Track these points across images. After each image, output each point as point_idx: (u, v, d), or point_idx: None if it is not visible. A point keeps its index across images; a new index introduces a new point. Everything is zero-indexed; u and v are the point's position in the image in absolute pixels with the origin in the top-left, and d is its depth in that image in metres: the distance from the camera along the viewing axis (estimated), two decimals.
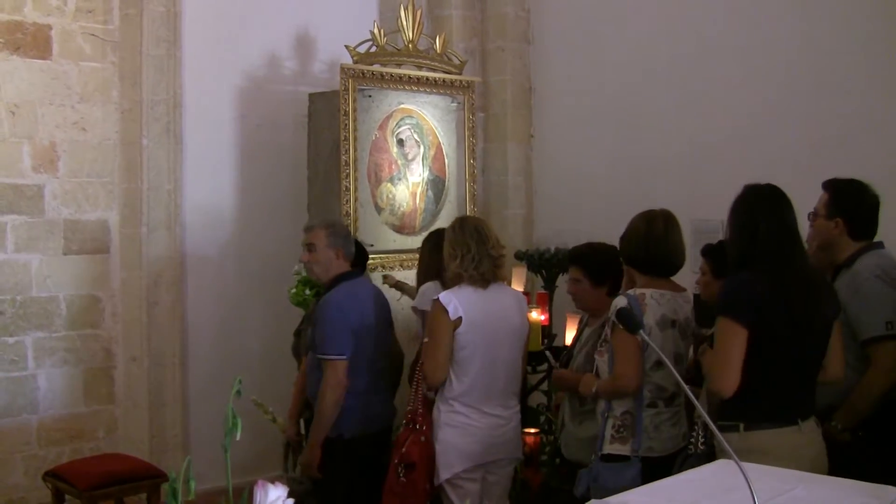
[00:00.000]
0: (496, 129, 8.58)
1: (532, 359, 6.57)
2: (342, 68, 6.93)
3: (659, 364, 4.63)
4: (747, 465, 2.96)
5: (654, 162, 7.70)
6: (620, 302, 4.67)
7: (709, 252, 5.12)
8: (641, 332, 3.82)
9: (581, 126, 8.26)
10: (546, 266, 7.58)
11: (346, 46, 7.02)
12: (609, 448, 4.74)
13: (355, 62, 7.02)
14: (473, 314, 5.12)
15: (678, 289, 4.89)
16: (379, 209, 7.18)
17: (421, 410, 5.30)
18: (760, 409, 4.07)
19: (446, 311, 5.08)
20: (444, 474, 5.16)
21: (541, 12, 8.55)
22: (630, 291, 4.77)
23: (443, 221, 7.39)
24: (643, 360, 4.68)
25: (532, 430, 6.05)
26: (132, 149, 6.99)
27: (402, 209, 7.33)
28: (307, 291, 6.57)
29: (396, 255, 7.23)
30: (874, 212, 4.76)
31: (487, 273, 5.20)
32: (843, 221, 4.71)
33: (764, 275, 4.08)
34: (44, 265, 6.75)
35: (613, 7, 8.03)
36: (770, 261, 4.10)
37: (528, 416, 6.27)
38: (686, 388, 3.39)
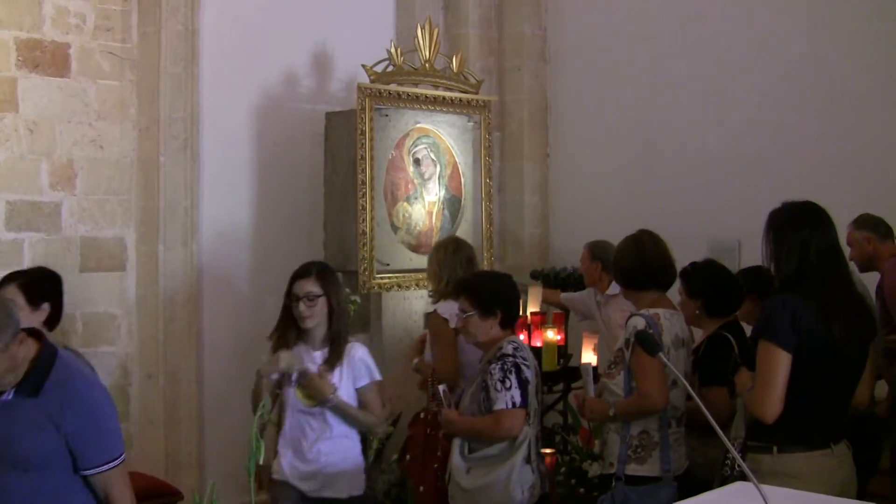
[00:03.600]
0: (512, 148, 8.61)
1: (547, 378, 6.63)
2: (359, 87, 6.94)
3: (674, 383, 4.68)
4: (771, 489, 2.94)
5: (671, 181, 7.72)
6: (639, 323, 4.68)
7: (682, 273, 5.21)
8: (661, 354, 3.77)
9: (598, 145, 8.30)
10: (562, 285, 7.58)
11: (363, 65, 7.04)
12: (629, 469, 4.73)
13: (372, 81, 7.03)
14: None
15: (675, 308, 4.97)
16: (395, 228, 7.18)
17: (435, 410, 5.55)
18: (795, 433, 4.00)
19: (446, 321, 5.62)
20: None
21: (557, 31, 8.61)
22: (644, 311, 4.78)
23: None
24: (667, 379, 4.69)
25: (548, 451, 6.00)
26: (149, 166, 6.97)
27: (418, 228, 7.32)
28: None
29: (413, 275, 7.19)
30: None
31: None
32: None
33: (808, 297, 3.98)
34: None
35: (630, 26, 8.07)
36: (817, 282, 4.01)
37: (544, 435, 6.22)
38: (706, 410, 3.35)
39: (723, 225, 7.25)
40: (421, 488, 5.58)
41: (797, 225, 4.07)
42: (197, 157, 7.13)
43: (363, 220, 6.91)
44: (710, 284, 5.17)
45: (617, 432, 4.80)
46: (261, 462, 3.25)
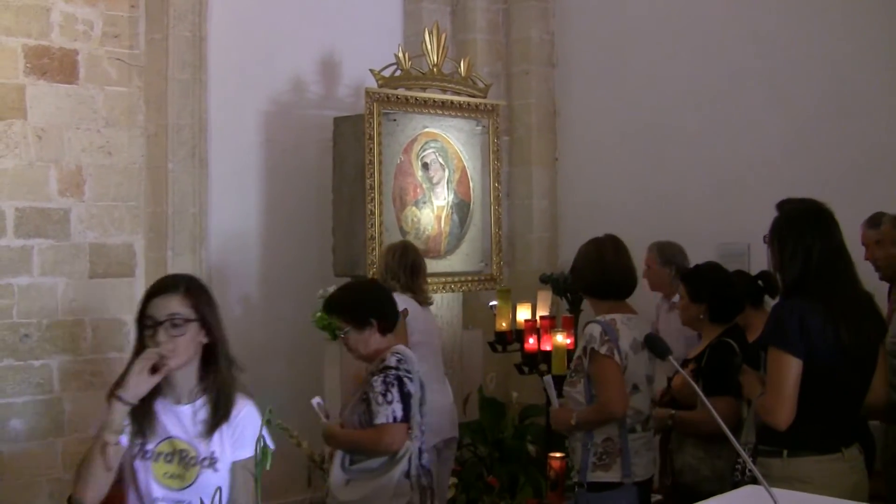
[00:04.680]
0: (521, 153, 8.61)
1: (559, 383, 6.51)
2: (367, 92, 6.94)
3: (635, 387, 4.77)
4: (781, 492, 2.92)
5: (680, 185, 7.71)
6: (594, 330, 4.73)
7: (685, 276, 5.20)
8: (670, 357, 3.74)
9: (606, 149, 8.27)
10: (571, 289, 7.57)
11: (371, 70, 7.04)
12: (592, 476, 4.76)
13: (380, 86, 7.03)
14: (414, 308, 5.92)
15: (634, 312, 4.96)
16: (404, 233, 7.16)
17: None
18: (805, 437, 3.98)
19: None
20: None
21: (565, 36, 8.59)
22: (600, 318, 4.80)
23: (468, 245, 7.44)
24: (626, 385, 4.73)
25: (558, 455, 5.94)
26: (158, 173, 6.99)
27: (427, 233, 7.32)
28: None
29: None
30: None
31: (419, 300, 6.07)
32: None
33: (816, 302, 3.95)
34: (70, 289, 6.73)
35: (639, 30, 8.05)
36: (823, 286, 3.98)
37: (553, 440, 6.42)
38: (718, 418, 3.31)
39: (732, 229, 7.22)
40: None
41: (799, 228, 4.06)
42: (205, 163, 7.13)
43: (372, 225, 6.90)
44: (716, 289, 5.09)
45: (580, 440, 4.83)
46: (268, 468, 3.13)
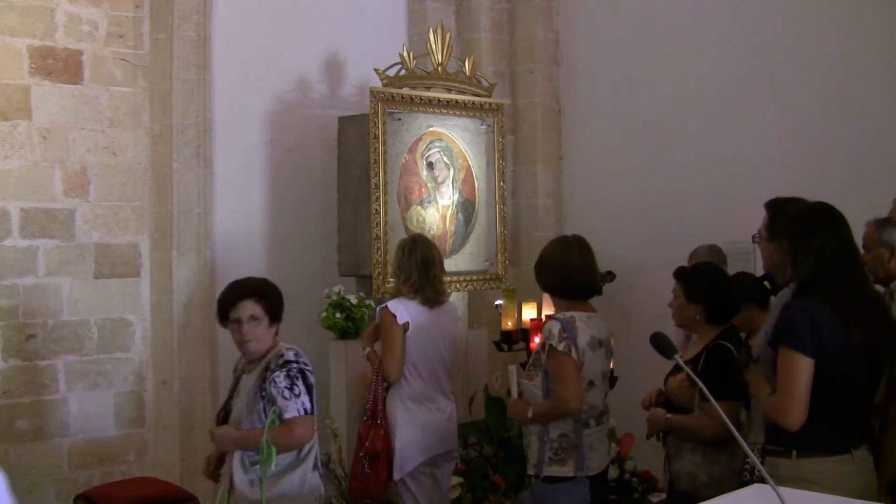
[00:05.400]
0: (526, 152, 8.59)
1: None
2: (371, 91, 6.93)
3: (591, 383, 4.91)
4: (788, 491, 2.92)
5: (686, 184, 7.68)
6: (553, 327, 4.84)
7: (682, 275, 5.11)
8: (676, 356, 3.69)
9: (611, 148, 8.26)
10: None
11: (376, 70, 7.02)
12: (548, 470, 4.89)
13: (384, 85, 7.02)
14: (418, 320, 5.82)
15: (594, 310, 5.08)
16: (409, 232, 7.09)
17: (381, 406, 5.77)
18: (815, 438, 3.97)
19: (395, 317, 5.75)
20: (405, 468, 5.74)
21: (570, 34, 8.57)
22: (560, 315, 4.90)
23: (473, 244, 7.43)
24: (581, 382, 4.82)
25: None
26: (162, 173, 7.00)
27: (431, 232, 7.27)
28: (337, 315, 6.61)
29: None
30: None
31: (432, 298, 5.92)
32: None
33: (826, 301, 3.95)
34: (75, 289, 6.76)
35: (644, 29, 8.02)
36: (833, 286, 3.98)
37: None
38: (727, 420, 3.30)
39: (738, 228, 7.16)
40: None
41: (811, 229, 4.06)
42: (210, 163, 7.14)
43: (377, 224, 6.90)
44: (716, 289, 5.03)
45: (537, 434, 4.94)
46: (272, 468, 3.24)
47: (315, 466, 4.80)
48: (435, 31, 7.35)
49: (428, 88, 7.31)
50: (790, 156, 7.07)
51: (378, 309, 6.04)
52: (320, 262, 7.45)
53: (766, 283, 5.16)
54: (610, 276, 7.37)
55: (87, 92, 6.82)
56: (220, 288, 7.02)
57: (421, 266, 5.94)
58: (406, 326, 5.78)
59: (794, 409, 3.91)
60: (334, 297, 6.65)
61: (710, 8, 7.68)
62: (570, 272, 4.99)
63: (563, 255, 5.04)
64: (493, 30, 8.53)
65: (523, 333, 7.13)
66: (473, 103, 7.54)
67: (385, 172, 6.94)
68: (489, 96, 7.68)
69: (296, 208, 7.62)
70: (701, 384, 3.64)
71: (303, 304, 7.03)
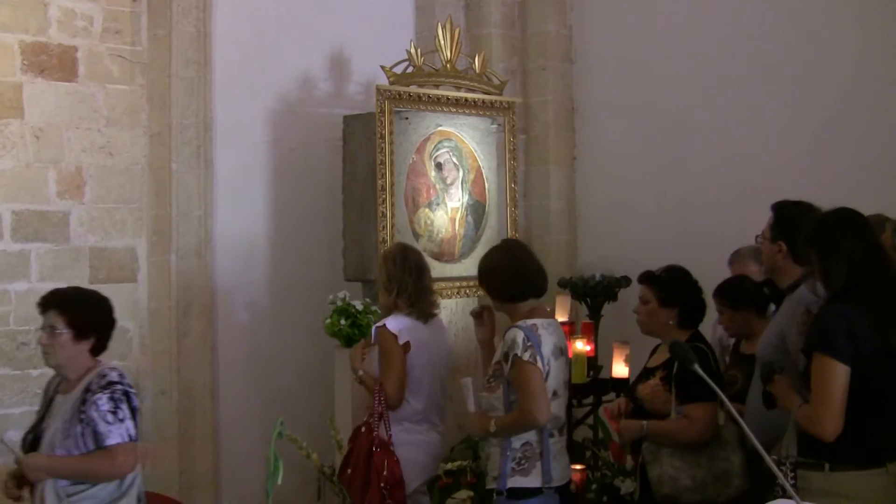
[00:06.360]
0: (538, 152, 8.49)
1: (577, 391, 6.58)
2: (378, 89, 6.84)
3: (555, 394, 4.87)
4: None
5: (703, 185, 7.60)
6: (518, 335, 4.77)
7: (653, 279, 5.14)
8: (696, 365, 3.62)
9: (626, 148, 8.16)
10: (591, 294, 7.52)
11: (382, 67, 6.94)
12: (512, 482, 4.81)
13: (391, 83, 6.94)
14: (417, 338, 5.67)
15: (550, 314, 5.14)
16: (417, 235, 7.05)
17: (389, 432, 5.58)
18: (849, 450, 3.90)
19: (396, 337, 5.61)
20: (407, 490, 5.62)
21: (584, 30, 8.49)
22: (521, 323, 4.84)
23: (483, 248, 7.31)
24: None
25: (578, 466, 5.97)
26: (161, 174, 6.94)
27: (440, 235, 7.18)
28: (342, 321, 6.47)
29: (436, 284, 6.98)
30: None
31: (426, 311, 5.77)
32: (786, 244, 4.65)
33: (861, 306, 3.91)
34: None
35: (660, 23, 7.94)
36: (866, 290, 3.94)
37: (573, 450, 6.34)
38: (745, 427, 3.11)
39: (756, 229, 7.05)
40: None
41: (840, 235, 4.05)
42: (210, 163, 7.08)
43: (383, 227, 6.80)
44: (688, 292, 5.09)
45: (499, 446, 4.87)
46: (279, 482, 3.24)
47: (139, 499, 4.52)
48: (444, 27, 7.27)
49: (436, 86, 7.22)
50: (810, 155, 6.98)
51: (375, 329, 5.88)
52: (325, 266, 7.39)
53: (766, 290, 5.16)
54: (625, 280, 7.38)
55: (82, 90, 6.78)
56: (222, 294, 7.33)
57: (416, 275, 5.79)
58: (407, 346, 5.64)
59: (831, 418, 3.87)
60: (339, 303, 6.53)
61: (730, 3, 7.59)
62: (522, 270, 4.99)
63: (510, 258, 5.05)
64: (504, 25, 8.44)
65: None
66: (483, 102, 7.45)
67: (392, 173, 6.86)
68: (500, 94, 7.59)
69: (299, 211, 7.55)
70: (721, 395, 3.60)
71: (306, 309, 7.17)
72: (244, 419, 7.06)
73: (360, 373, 5.73)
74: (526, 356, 4.72)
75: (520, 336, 4.75)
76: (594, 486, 6.31)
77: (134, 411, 4.43)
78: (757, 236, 4.84)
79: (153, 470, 6.84)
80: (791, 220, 4.69)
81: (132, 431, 4.39)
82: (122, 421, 4.35)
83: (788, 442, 4.28)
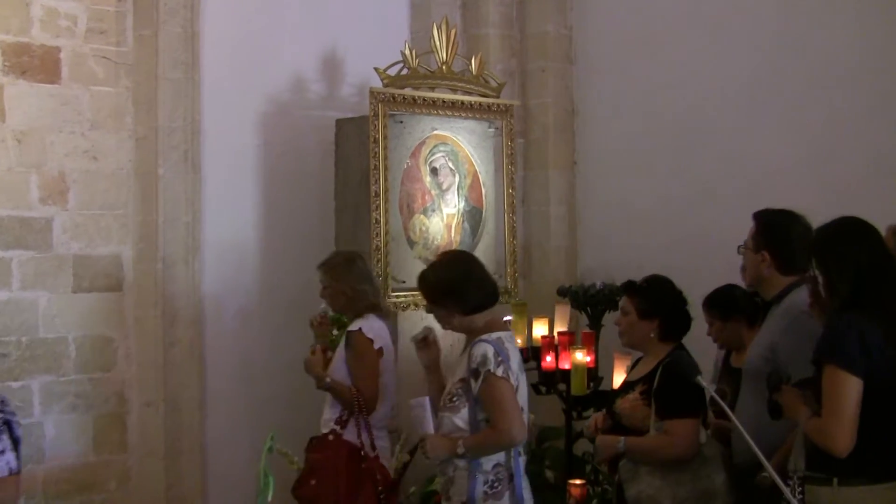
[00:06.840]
0: (537, 156, 8.42)
1: (577, 403, 6.64)
2: (371, 92, 6.80)
3: (521, 409, 4.71)
4: None
5: (707, 190, 7.53)
6: (488, 350, 4.58)
7: (635, 290, 5.09)
8: (699, 378, 3.67)
9: (628, 151, 8.09)
10: (591, 303, 7.43)
11: (376, 69, 6.88)
12: None
13: (385, 85, 6.89)
14: (387, 341, 5.83)
15: (505, 325, 4.96)
16: (412, 243, 7.01)
17: (371, 437, 5.65)
18: (857, 464, 3.83)
19: (372, 341, 5.67)
20: None
21: (584, 30, 8.42)
22: (486, 337, 4.66)
23: (480, 255, 7.15)
24: None
25: (578, 482, 5.80)
26: (147, 179, 6.88)
27: (436, 242, 7.11)
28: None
29: None
30: (803, 245, 4.53)
31: (385, 311, 5.99)
32: (769, 255, 4.64)
33: (873, 316, 3.84)
34: (52, 304, 6.63)
35: (663, 24, 7.87)
36: (875, 298, 3.88)
37: (573, 465, 6.54)
38: (752, 443, 2.96)
39: None
40: None
41: (844, 242, 4.00)
42: (198, 168, 7.02)
43: (377, 234, 6.77)
44: (670, 304, 4.99)
45: (465, 468, 4.65)
46: (269, 499, 3.27)
47: None
48: (439, 27, 7.21)
49: (432, 89, 7.16)
50: (814, 159, 6.93)
51: (348, 333, 5.83)
52: (317, 273, 7.18)
53: (758, 300, 5.06)
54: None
55: (65, 92, 6.69)
56: (211, 303, 7.24)
57: (367, 275, 5.99)
58: (381, 352, 5.70)
59: (843, 433, 3.80)
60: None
61: (731, 3, 7.54)
62: (478, 279, 4.83)
63: (465, 268, 4.87)
64: (502, 25, 8.37)
65: (534, 351, 6.94)
66: (481, 104, 7.39)
67: (386, 179, 6.81)
68: (497, 97, 7.52)
69: (291, 217, 7.48)
70: (727, 409, 3.85)
71: (299, 318, 6.95)
72: (233, 432, 6.99)
73: (328, 379, 5.69)
74: (500, 371, 4.54)
75: (490, 351, 4.56)
76: (594, 502, 6.26)
77: (16, 442, 4.28)
78: (739, 246, 4.78)
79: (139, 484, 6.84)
80: (775, 228, 4.68)
81: (13, 464, 4.25)
82: (2, 453, 4.22)
83: (797, 457, 4.21)
